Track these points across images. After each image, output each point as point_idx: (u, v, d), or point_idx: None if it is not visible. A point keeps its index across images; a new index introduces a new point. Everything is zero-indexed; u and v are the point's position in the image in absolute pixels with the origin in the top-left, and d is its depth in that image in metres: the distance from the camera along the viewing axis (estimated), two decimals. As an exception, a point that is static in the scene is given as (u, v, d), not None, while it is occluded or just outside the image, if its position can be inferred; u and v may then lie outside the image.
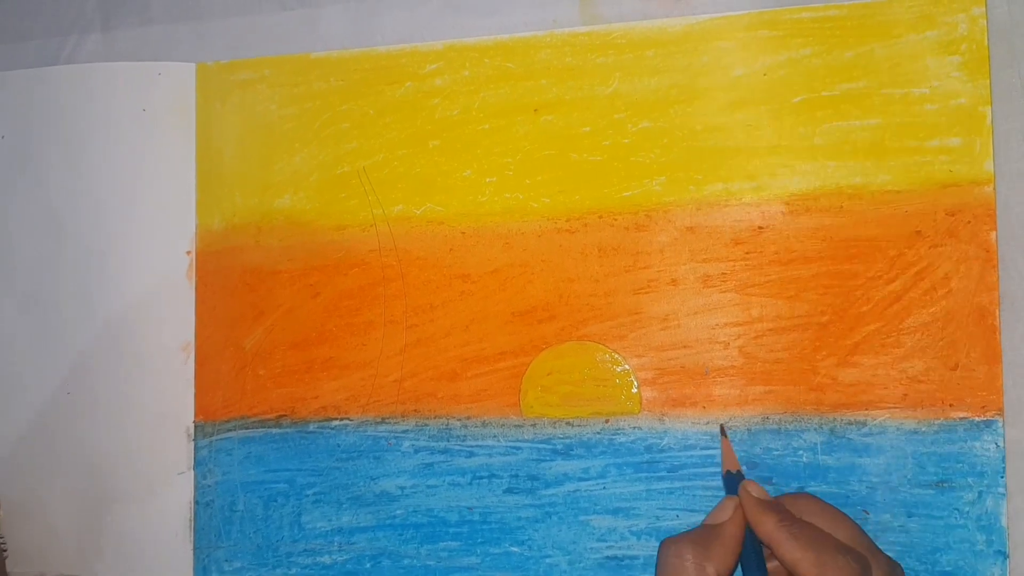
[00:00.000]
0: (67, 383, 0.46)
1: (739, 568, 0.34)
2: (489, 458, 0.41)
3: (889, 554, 0.33)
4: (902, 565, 0.33)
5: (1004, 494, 0.36)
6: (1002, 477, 0.36)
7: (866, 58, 0.38)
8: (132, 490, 0.45)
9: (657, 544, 0.39)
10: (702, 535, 0.34)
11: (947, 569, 0.37)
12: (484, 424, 0.41)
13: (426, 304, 0.42)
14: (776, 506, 0.34)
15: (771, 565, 0.34)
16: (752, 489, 0.35)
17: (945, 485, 0.37)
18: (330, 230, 0.44)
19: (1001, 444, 0.36)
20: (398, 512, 0.42)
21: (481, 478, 0.41)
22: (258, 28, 0.46)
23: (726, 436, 0.38)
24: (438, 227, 0.42)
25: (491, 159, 0.42)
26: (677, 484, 0.39)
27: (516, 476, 0.41)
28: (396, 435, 0.42)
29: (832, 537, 0.32)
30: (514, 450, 0.41)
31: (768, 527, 0.33)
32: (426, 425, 0.42)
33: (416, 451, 0.42)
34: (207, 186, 0.45)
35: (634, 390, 0.40)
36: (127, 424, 0.45)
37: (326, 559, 0.43)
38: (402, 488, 0.42)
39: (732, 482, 0.36)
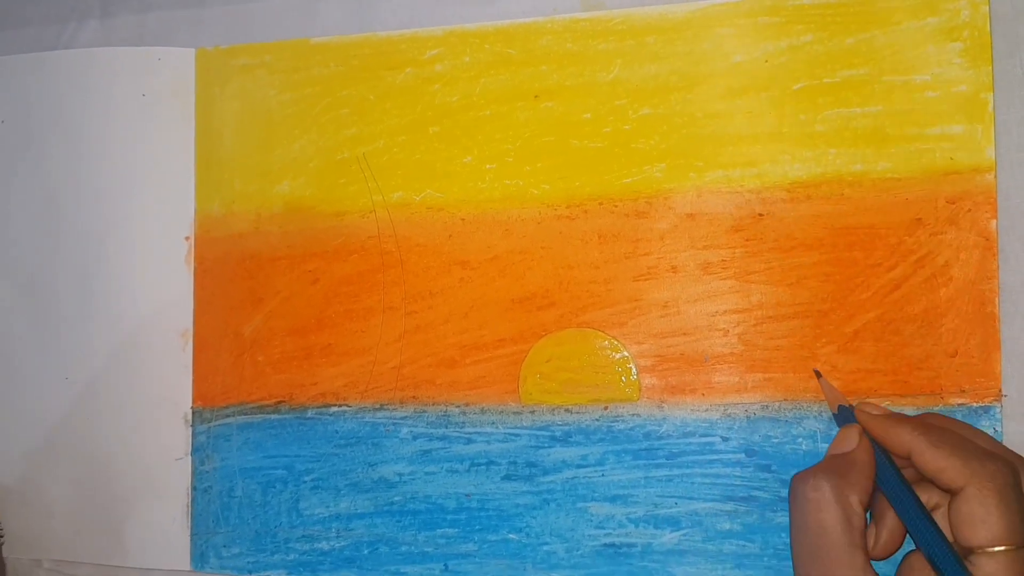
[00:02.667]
0: (65, 369, 0.46)
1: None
2: (487, 445, 0.41)
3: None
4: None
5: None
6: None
7: (867, 45, 0.38)
8: (130, 476, 0.45)
9: (654, 531, 0.39)
10: (834, 465, 0.32)
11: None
12: (483, 411, 0.41)
13: (425, 291, 0.42)
14: (907, 417, 0.32)
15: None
16: (871, 408, 0.33)
17: (944, 471, 0.37)
18: (329, 216, 0.44)
19: (999, 430, 0.36)
20: (396, 498, 0.42)
21: (479, 465, 0.41)
22: (258, 13, 0.46)
23: (821, 377, 0.37)
24: (438, 213, 0.42)
25: (491, 145, 0.42)
26: (676, 471, 0.39)
27: (514, 463, 0.41)
28: (394, 422, 0.42)
29: (974, 443, 0.31)
30: (512, 437, 0.41)
31: (904, 437, 0.31)
32: (424, 412, 0.42)
33: (414, 438, 0.42)
34: (206, 172, 0.45)
35: (633, 377, 0.40)
36: (125, 410, 0.45)
37: (324, 545, 0.43)
38: (400, 475, 0.42)
39: (846, 414, 0.35)
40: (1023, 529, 0.29)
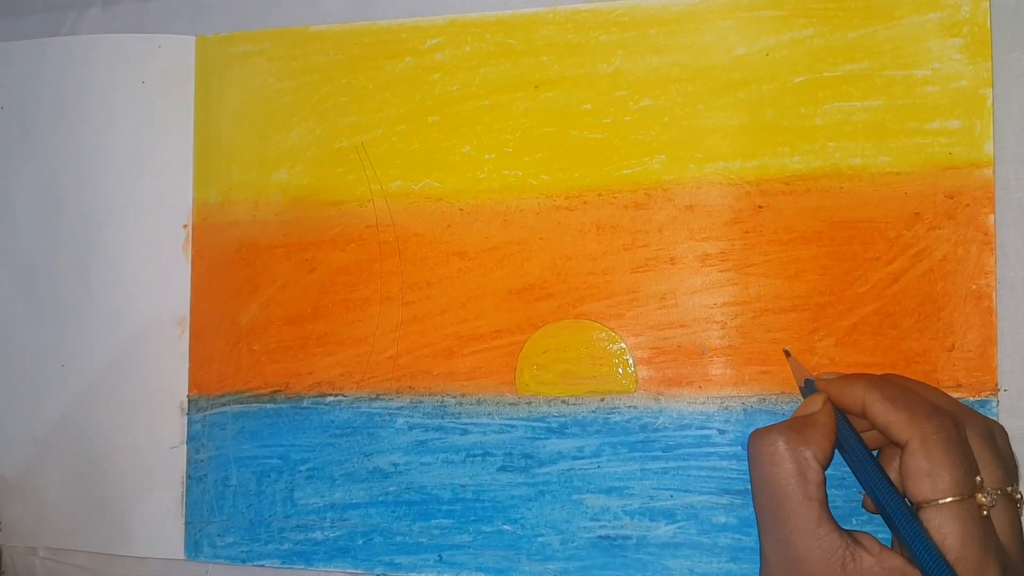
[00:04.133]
0: (61, 356, 0.46)
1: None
2: (483, 436, 0.41)
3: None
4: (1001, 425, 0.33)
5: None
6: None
7: (868, 40, 0.38)
8: (125, 464, 0.45)
9: (650, 524, 0.39)
10: (793, 423, 0.33)
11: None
12: (479, 402, 0.41)
13: (423, 281, 0.42)
14: (862, 374, 0.33)
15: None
16: (828, 374, 0.34)
17: (940, 465, 0.37)
18: (327, 205, 0.43)
19: (996, 424, 0.36)
20: (391, 489, 0.42)
21: (475, 456, 0.41)
22: (258, 1, 0.46)
23: (791, 356, 0.37)
24: (436, 203, 0.42)
25: (491, 135, 0.42)
26: (672, 464, 0.39)
27: (510, 454, 0.41)
28: (390, 412, 0.42)
29: (923, 398, 0.31)
30: (509, 428, 0.41)
31: (858, 393, 0.32)
32: (421, 402, 0.42)
33: (410, 428, 0.42)
34: (205, 159, 0.45)
35: (630, 369, 0.40)
36: (121, 398, 0.45)
37: (318, 535, 0.42)
38: (395, 465, 0.42)
39: (810, 387, 0.35)
40: (968, 481, 0.29)
